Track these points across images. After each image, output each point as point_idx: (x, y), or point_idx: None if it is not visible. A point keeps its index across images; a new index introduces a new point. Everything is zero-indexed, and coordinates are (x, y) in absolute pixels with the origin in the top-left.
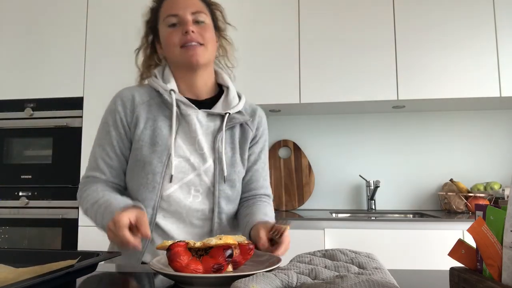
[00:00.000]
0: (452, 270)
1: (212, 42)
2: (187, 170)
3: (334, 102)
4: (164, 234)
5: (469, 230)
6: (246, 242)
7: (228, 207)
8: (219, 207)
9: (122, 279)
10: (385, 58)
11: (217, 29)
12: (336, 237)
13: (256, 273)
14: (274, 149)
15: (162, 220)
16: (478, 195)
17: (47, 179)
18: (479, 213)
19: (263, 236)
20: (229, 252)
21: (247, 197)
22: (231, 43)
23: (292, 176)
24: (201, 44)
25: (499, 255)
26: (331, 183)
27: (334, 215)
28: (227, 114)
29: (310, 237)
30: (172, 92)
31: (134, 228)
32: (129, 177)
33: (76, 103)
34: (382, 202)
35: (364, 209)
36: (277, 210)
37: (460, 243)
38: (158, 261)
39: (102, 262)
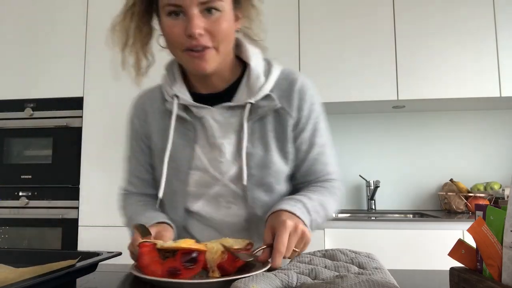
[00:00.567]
0: (452, 270)
1: (228, 37)
2: (209, 183)
3: (334, 102)
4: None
5: (469, 230)
6: (241, 247)
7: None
8: (256, 216)
9: (122, 279)
10: (385, 58)
11: None
12: (336, 237)
13: (253, 274)
14: None
15: (199, 235)
16: (478, 195)
17: (47, 179)
18: (479, 213)
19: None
20: (189, 256)
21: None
22: (259, 12)
23: None
24: (211, 47)
25: (499, 255)
26: None
27: (334, 215)
28: (248, 105)
29: None
30: (174, 98)
31: None
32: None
33: (76, 103)
34: (382, 202)
35: (364, 209)
36: None
37: (460, 243)
38: None
39: (102, 262)
